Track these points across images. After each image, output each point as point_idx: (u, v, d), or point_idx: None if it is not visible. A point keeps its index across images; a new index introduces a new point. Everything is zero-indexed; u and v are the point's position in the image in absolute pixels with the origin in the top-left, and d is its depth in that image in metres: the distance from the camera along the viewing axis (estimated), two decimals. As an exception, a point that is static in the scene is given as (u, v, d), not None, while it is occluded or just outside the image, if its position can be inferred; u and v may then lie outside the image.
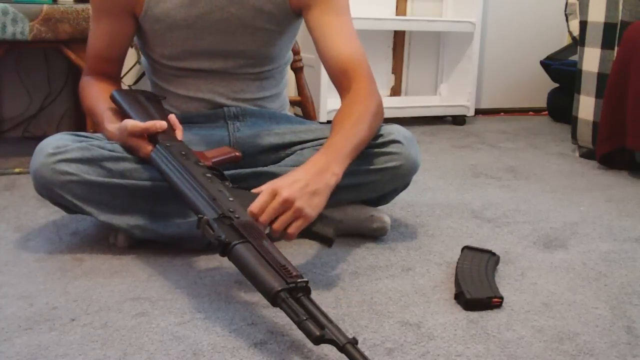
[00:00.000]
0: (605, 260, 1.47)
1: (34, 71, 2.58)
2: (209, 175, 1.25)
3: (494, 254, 1.39)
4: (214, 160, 1.35)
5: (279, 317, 1.13)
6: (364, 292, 1.26)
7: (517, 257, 1.47)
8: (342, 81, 1.45)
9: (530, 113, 3.55)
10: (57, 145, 1.35)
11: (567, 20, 3.15)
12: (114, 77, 1.56)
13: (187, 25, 1.48)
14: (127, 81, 2.62)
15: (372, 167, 1.47)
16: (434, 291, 1.28)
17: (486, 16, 3.30)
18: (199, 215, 1.15)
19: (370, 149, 1.45)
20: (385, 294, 1.26)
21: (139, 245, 1.42)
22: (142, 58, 1.65)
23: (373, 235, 1.54)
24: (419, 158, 1.50)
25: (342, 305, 1.20)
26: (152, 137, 1.33)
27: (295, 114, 2.24)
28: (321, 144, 1.37)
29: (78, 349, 1.02)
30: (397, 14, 3.29)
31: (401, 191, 1.56)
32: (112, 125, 1.40)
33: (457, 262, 1.33)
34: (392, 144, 1.47)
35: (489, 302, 1.21)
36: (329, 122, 1.35)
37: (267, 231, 1.16)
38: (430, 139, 2.81)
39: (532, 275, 1.37)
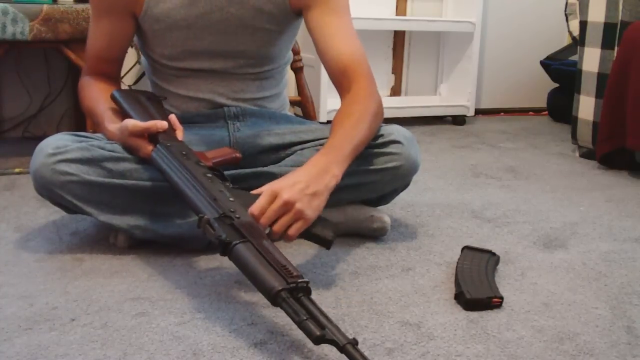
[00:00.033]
0: (605, 260, 1.47)
1: (34, 71, 2.58)
2: (209, 175, 1.25)
3: (494, 254, 1.39)
4: (214, 160, 1.35)
5: (279, 317, 1.13)
6: (364, 292, 1.26)
7: (517, 257, 1.47)
8: (342, 81, 1.45)
9: (530, 113, 3.55)
10: (57, 146, 1.35)
11: (567, 20, 3.15)
12: (113, 78, 1.56)
13: (187, 25, 1.48)
14: (127, 81, 2.62)
15: (372, 167, 1.47)
16: (434, 291, 1.28)
17: (486, 16, 3.30)
18: (200, 215, 1.15)
19: (370, 149, 1.45)
20: (385, 294, 1.26)
21: (139, 245, 1.42)
22: (142, 58, 1.65)
23: (373, 235, 1.54)
24: (419, 158, 1.50)
25: (342, 305, 1.20)
26: (152, 137, 1.33)
27: (295, 114, 2.24)
28: (321, 144, 1.37)
29: (78, 349, 1.02)
30: (397, 14, 3.30)
31: (401, 191, 1.56)
32: (113, 125, 1.39)
33: (457, 262, 1.33)
34: (392, 144, 1.47)
35: (489, 302, 1.21)
36: (329, 122, 1.35)
37: (266, 232, 1.16)
38: (430, 139, 2.81)
39: (532, 275, 1.37)
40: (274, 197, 1.17)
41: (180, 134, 1.37)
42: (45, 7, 2.00)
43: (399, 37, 3.34)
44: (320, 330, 0.95)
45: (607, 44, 2.39)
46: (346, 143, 1.31)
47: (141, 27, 1.51)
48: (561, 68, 3.18)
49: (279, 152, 1.54)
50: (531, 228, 1.67)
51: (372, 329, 1.12)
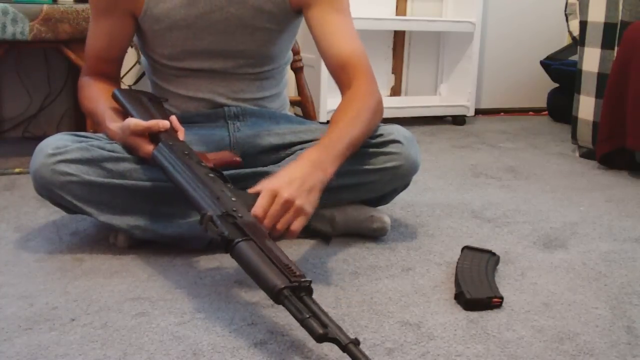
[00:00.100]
0: (605, 260, 1.47)
1: (34, 71, 2.58)
2: (211, 175, 1.25)
3: (494, 254, 1.39)
4: (214, 162, 1.35)
5: (279, 317, 1.13)
6: (364, 292, 1.26)
7: (517, 257, 1.47)
8: (342, 78, 1.45)
9: (530, 113, 3.55)
10: (57, 146, 1.35)
11: (567, 20, 3.15)
12: (113, 78, 1.56)
13: (186, 25, 1.48)
14: (127, 81, 2.62)
15: (372, 167, 1.47)
16: (434, 291, 1.28)
17: (486, 16, 3.30)
18: (203, 212, 1.15)
19: (370, 148, 1.45)
20: (385, 294, 1.26)
21: (139, 245, 1.42)
22: (142, 58, 1.65)
23: (373, 235, 1.54)
24: (419, 158, 1.50)
25: (342, 305, 1.20)
26: (153, 136, 1.33)
27: (295, 114, 2.24)
28: (321, 144, 1.37)
29: (78, 349, 1.02)
30: (397, 14, 3.29)
31: (401, 191, 1.56)
32: (114, 124, 1.39)
33: (457, 262, 1.33)
34: (392, 144, 1.47)
35: (489, 302, 1.21)
36: (329, 122, 1.35)
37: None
38: (430, 139, 2.81)
39: (532, 275, 1.37)
40: (274, 196, 1.17)
41: (181, 135, 1.37)
42: (45, 7, 2.00)
43: (399, 37, 3.34)
44: (323, 328, 0.95)
45: (607, 44, 2.39)
46: (341, 139, 1.31)
47: (141, 27, 1.51)
48: (561, 68, 3.18)
49: (279, 152, 1.54)
50: (531, 228, 1.67)
51: (372, 329, 1.12)
